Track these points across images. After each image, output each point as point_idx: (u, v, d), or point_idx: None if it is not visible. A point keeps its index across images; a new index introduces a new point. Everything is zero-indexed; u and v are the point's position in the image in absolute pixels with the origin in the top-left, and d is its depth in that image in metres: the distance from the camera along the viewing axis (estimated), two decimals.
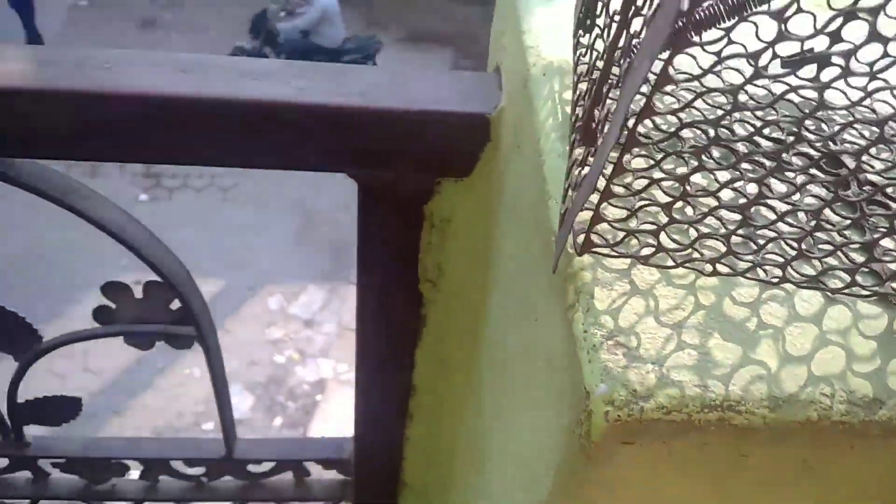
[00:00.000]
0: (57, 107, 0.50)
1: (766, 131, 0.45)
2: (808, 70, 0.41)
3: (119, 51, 0.53)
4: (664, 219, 0.37)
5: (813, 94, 0.47)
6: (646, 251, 0.37)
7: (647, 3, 0.34)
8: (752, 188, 0.41)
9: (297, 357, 4.08)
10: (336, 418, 3.76)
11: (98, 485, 0.84)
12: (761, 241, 0.38)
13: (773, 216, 0.39)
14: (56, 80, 0.50)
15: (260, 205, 4.71)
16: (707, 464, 0.35)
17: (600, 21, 0.42)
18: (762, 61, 0.40)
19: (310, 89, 0.52)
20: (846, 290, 0.37)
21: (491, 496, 0.56)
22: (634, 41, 0.32)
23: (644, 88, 0.39)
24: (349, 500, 0.89)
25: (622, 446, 0.34)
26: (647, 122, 0.44)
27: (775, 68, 0.43)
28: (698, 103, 0.46)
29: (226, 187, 4.74)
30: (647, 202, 0.37)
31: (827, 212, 0.41)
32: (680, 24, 0.26)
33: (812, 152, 0.44)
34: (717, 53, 0.33)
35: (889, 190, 0.43)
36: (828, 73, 0.36)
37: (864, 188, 0.43)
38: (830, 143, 0.45)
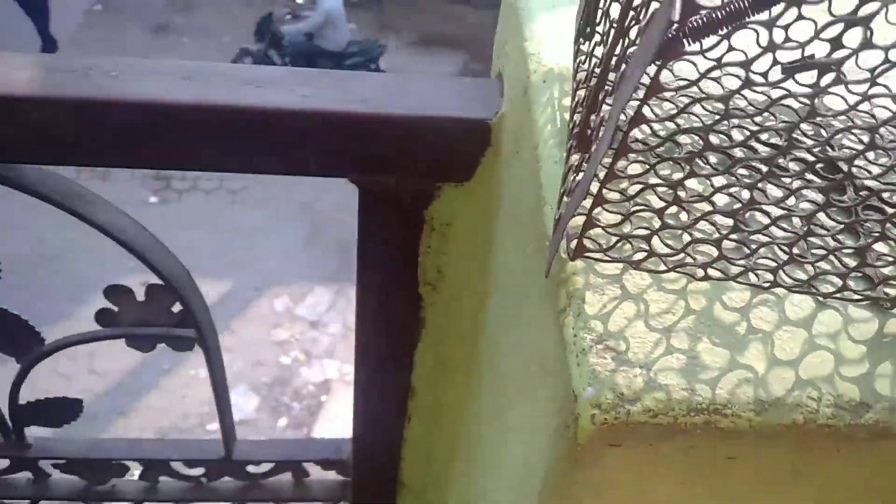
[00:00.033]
0: (63, 114, 0.51)
1: (763, 137, 0.46)
2: (810, 76, 0.41)
3: (125, 59, 0.54)
4: (657, 224, 0.37)
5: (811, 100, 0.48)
6: (638, 256, 0.38)
7: (643, 11, 0.35)
8: (746, 193, 0.41)
9: (302, 358, 4.10)
10: (341, 419, 3.76)
11: (98, 485, 0.85)
12: (754, 246, 0.38)
13: (766, 221, 0.39)
14: (62, 88, 0.51)
15: (268, 207, 4.73)
16: (694, 466, 0.36)
17: (600, 28, 0.43)
18: (762, 67, 0.40)
19: (313, 96, 0.53)
20: (837, 295, 0.38)
21: (486, 497, 0.56)
22: (630, 49, 0.33)
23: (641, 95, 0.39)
24: (348, 500, 0.89)
25: (609, 449, 0.34)
26: (645, 127, 0.45)
27: (776, 75, 0.44)
28: (697, 109, 0.47)
29: (235, 190, 4.76)
30: (639, 207, 0.38)
31: (822, 217, 0.41)
32: (671, 34, 0.27)
33: (809, 157, 0.45)
34: (718, 60, 0.33)
35: (885, 195, 0.43)
36: (827, 80, 0.37)
37: (859, 193, 0.43)
38: (828, 149, 0.46)
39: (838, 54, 0.31)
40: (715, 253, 0.37)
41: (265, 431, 3.82)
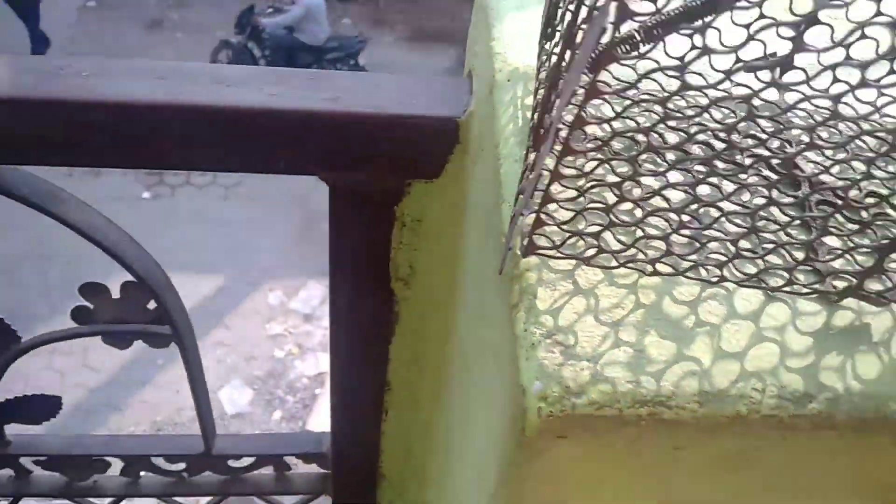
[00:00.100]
0: (33, 115, 0.52)
1: (721, 134, 0.47)
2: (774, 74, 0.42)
3: (98, 59, 0.55)
4: (608, 221, 0.38)
5: (774, 98, 0.49)
6: (590, 252, 0.38)
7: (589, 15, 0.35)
8: (703, 189, 0.42)
9: (296, 351, 4.11)
10: None
11: (80, 482, 0.85)
12: (705, 241, 0.39)
13: (722, 218, 0.40)
14: (33, 89, 0.51)
15: (261, 202, 4.73)
16: (642, 457, 0.36)
17: (560, 28, 0.43)
18: (726, 65, 0.41)
19: (282, 95, 0.54)
20: (786, 288, 0.39)
21: (455, 490, 0.57)
22: (574, 52, 0.33)
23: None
24: (329, 493, 0.90)
25: (557, 441, 0.35)
26: (606, 126, 0.46)
27: (739, 73, 0.44)
28: (657, 108, 0.48)
29: (227, 185, 4.76)
30: (591, 205, 0.38)
31: (776, 212, 0.42)
32: (606, 40, 0.27)
33: (765, 153, 0.45)
34: (681, 59, 0.34)
35: (840, 191, 0.44)
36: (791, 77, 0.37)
37: (814, 188, 0.44)
38: (786, 145, 0.46)
39: (799, 51, 0.32)
40: (665, 248, 0.38)
41: (259, 425, 3.83)
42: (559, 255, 0.38)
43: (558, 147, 0.33)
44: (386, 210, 0.60)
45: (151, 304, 0.68)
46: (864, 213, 0.42)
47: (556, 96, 0.36)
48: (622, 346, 0.36)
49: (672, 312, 0.37)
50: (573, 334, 0.36)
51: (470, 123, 0.55)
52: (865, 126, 0.41)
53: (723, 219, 0.40)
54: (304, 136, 0.54)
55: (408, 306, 0.68)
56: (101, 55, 5.60)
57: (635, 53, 0.30)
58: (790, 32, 0.30)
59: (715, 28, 0.32)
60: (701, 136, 0.45)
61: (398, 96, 0.55)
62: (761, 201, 0.43)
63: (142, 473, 0.88)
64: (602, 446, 0.36)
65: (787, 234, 0.40)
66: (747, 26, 0.35)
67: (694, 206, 0.41)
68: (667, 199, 0.40)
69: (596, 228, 0.38)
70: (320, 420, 3.76)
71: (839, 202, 0.42)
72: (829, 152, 0.47)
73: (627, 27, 0.29)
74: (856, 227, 0.39)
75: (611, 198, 0.41)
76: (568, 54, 0.35)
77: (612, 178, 0.38)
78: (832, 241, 0.41)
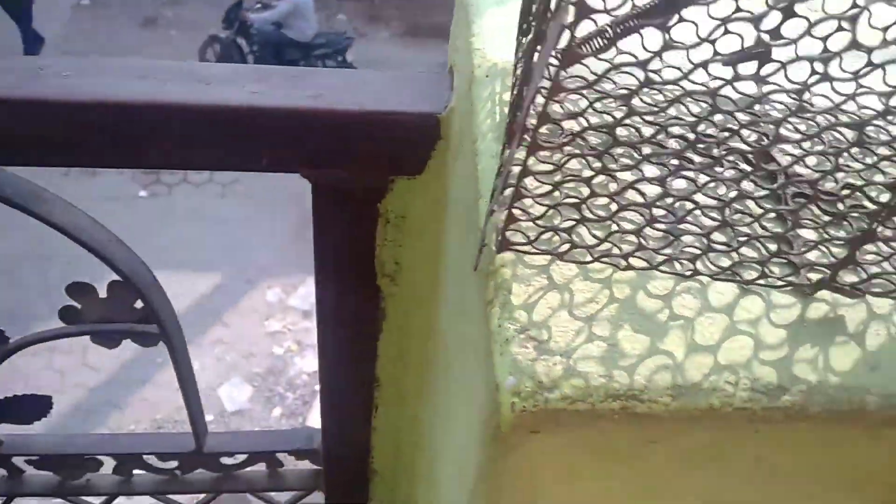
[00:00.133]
0: (14, 115, 0.52)
1: (700, 128, 0.47)
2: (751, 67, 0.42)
3: (78, 59, 0.55)
4: (584, 215, 0.38)
5: (751, 91, 0.49)
6: (564, 247, 0.38)
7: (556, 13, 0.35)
8: (678, 184, 0.42)
9: (295, 348, 4.11)
10: None
11: (72, 480, 0.85)
12: (679, 235, 0.39)
13: (697, 211, 0.40)
14: (14, 89, 0.51)
15: (258, 199, 4.73)
16: (616, 451, 0.37)
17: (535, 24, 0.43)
18: (701, 58, 0.41)
19: (263, 93, 0.54)
20: (761, 281, 0.39)
21: (440, 485, 0.57)
22: (539, 50, 0.33)
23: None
24: (321, 489, 0.90)
25: (532, 435, 0.35)
26: (581, 120, 0.46)
27: (716, 66, 0.44)
28: (634, 102, 0.48)
29: (224, 183, 4.76)
30: (566, 200, 0.38)
31: (751, 205, 0.42)
32: (567, 38, 0.28)
33: (741, 146, 0.45)
34: (660, 52, 0.33)
35: (818, 184, 0.44)
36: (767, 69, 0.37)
37: (790, 181, 0.44)
38: (764, 139, 0.46)
39: (780, 45, 0.32)
40: (637, 242, 0.38)
41: (259, 422, 3.84)
42: (533, 250, 0.38)
43: (527, 143, 0.33)
44: (369, 207, 0.60)
45: (139, 304, 0.68)
46: (840, 206, 0.42)
47: (526, 92, 0.36)
48: (595, 341, 0.36)
49: (646, 306, 0.37)
50: (547, 329, 0.36)
51: (451, 119, 0.55)
52: (831, 118, 0.41)
53: (697, 212, 0.40)
54: (285, 134, 0.54)
55: (394, 302, 0.68)
56: (95, 53, 5.59)
57: (599, 50, 0.31)
58: (765, 25, 0.31)
59: (692, 22, 0.32)
60: (677, 131, 0.45)
61: (379, 93, 0.55)
62: (735, 194, 0.43)
63: (134, 472, 0.88)
64: (576, 440, 0.36)
65: (763, 227, 0.40)
66: (723, 20, 0.35)
67: (669, 200, 0.41)
68: (642, 194, 0.40)
69: (570, 223, 0.38)
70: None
71: (817, 195, 0.42)
72: (806, 144, 0.48)
73: (592, 25, 0.29)
74: (831, 218, 0.39)
75: (585, 193, 0.41)
76: (537, 50, 0.35)
77: (587, 173, 0.38)
78: (808, 233, 0.41)
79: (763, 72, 0.33)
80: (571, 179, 0.37)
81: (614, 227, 0.39)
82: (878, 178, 0.44)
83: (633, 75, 0.47)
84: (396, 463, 0.85)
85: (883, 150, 0.44)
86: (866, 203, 0.42)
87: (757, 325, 0.37)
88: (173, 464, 0.86)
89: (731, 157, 0.44)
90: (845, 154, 0.45)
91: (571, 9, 0.26)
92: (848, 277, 0.39)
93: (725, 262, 0.39)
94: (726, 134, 0.44)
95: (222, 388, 3.93)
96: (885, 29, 0.36)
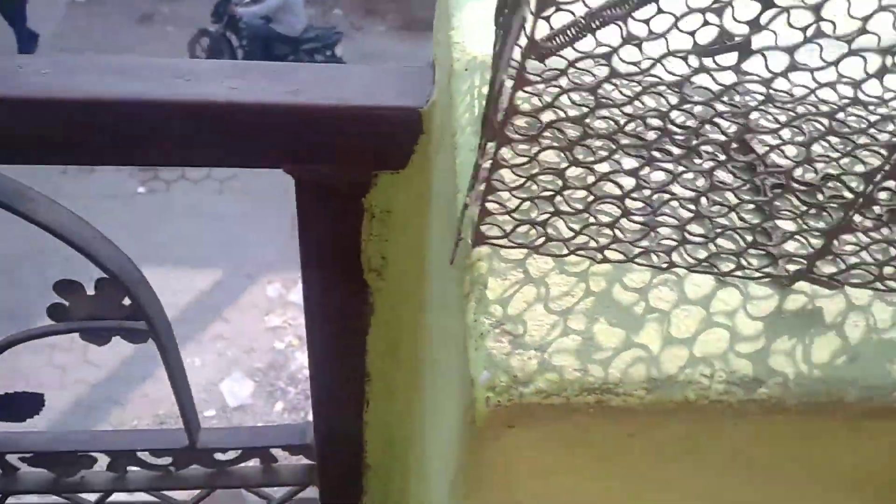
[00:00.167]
0: None
1: (680, 119, 0.46)
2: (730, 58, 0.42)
3: (58, 57, 0.55)
4: (561, 209, 0.38)
5: (729, 82, 0.48)
6: (540, 241, 0.38)
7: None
8: (656, 176, 0.42)
9: (296, 343, 4.11)
10: None
11: (67, 478, 0.85)
12: (655, 227, 0.39)
13: (674, 203, 0.40)
14: None
15: (256, 194, 4.72)
16: (593, 444, 0.37)
17: None
18: (678, 48, 0.41)
19: (242, 88, 0.53)
20: (738, 273, 0.38)
21: (428, 479, 0.57)
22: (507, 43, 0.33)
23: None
24: (316, 484, 0.90)
25: (508, 430, 0.35)
26: (557, 112, 0.45)
27: (693, 58, 0.44)
28: (615, 94, 0.47)
29: (222, 179, 4.75)
30: (541, 193, 0.38)
31: (730, 196, 0.42)
32: (529, 31, 0.27)
33: (721, 137, 0.45)
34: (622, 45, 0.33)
35: (791, 173, 0.44)
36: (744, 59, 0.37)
37: (769, 171, 0.43)
38: (739, 128, 0.46)
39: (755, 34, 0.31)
40: (618, 235, 0.38)
41: (262, 416, 3.84)
42: (509, 244, 0.38)
43: (496, 135, 0.33)
44: (353, 202, 0.59)
45: (127, 301, 0.68)
46: (819, 196, 0.42)
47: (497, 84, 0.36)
48: (571, 334, 0.36)
49: (622, 299, 0.37)
50: (522, 323, 0.36)
51: (433, 113, 0.55)
52: (811, 108, 0.41)
53: (675, 204, 0.40)
54: (265, 130, 0.54)
55: (382, 297, 0.68)
56: (91, 51, 5.58)
57: (569, 42, 0.30)
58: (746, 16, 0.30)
59: (671, 14, 0.32)
60: (657, 123, 0.45)
61: (360, 88, 0.55)
62: (710, 185, 0.43)
63: (129, 468, 0.88)
64: (553, 435, 0.36)
65: (741, 219, 0.40)
66: (703, 10, 0.35)
67: (647, 192, 0.41)
68: (619, 186, 0.39)
69: (545, 216, 0.38)
70: None
71: (793, 185, 0.42)
72: (787, 135, 0.47)
73: (568, 17, 0.29)
74: (809, 209, 0.39)
75: (560, 185, 0.41)
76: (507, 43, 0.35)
77: (562, 166, 0.38)
78: (788, 224, 0.41)
79: (736, 62, 0.33)
80: (545, 172, 0.37)
81: (591, 220, 0.39)
82: (860, 168, 0.44)
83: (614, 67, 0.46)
84: (389, 457, 0.86)
85: (863, 139, 0.44)
86: (846, 193, 0.42)
87: (734, 317, 0.37)
88: (167, 460, 0.86)
89: (708, 148, 0.44)
90: (826, 144, 0.45)
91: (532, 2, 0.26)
92: (827, 268, 0.39)
93: (702, 254, 0.39)
94: (707, 126, 0.44)
95: (224, 383, 3.93)
96: (865, 19, 0.35)
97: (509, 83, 0.38)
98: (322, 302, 0.67)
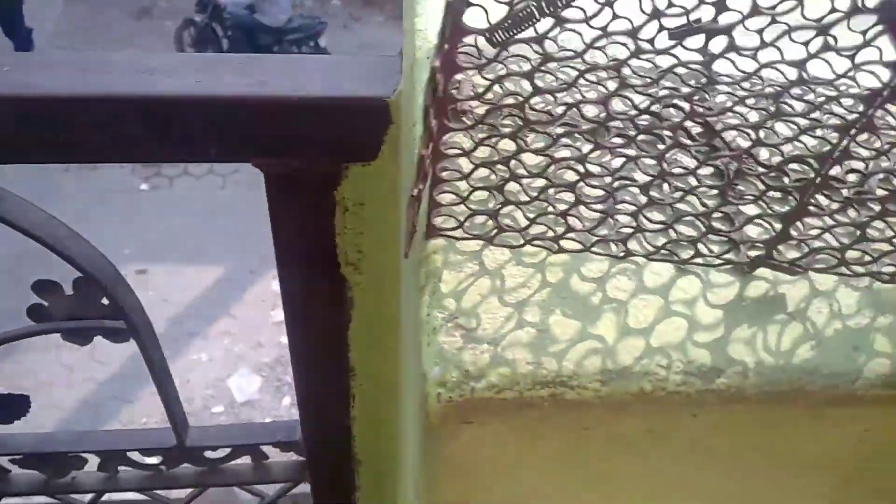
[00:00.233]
0: None
1: (643, 105, 0.45)
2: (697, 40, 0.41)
3: (21, 54, 0.54)
4: (513, 199, 0.37)
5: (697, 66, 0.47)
6: (494, 231, 0.37)
7: None
8: (616, 162, 0.41)
9: None
10: None
11: (58, 478, 0.85)
12: (618, 217, 0.38)
13: (634, 190, 0.39)
14: None
15: (258, 189, 4.70)
16: (551, 438, 0.36)
17: None
18: (647, 34, 0.40)
19: (206, 81, 0.53)
20: (697, 260, 0.38)
21: (407, 476, 0.57)
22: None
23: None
24: (307, 480, 0.90)
25: (463, 426, 0.34)
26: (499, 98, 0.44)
27: (663, 40, 0.43)
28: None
29: (224, 174, 4.75)
30: (489, 184, 0.37)
31: (693, 182, 0.41)
32: (458, 14, 0.26)
33: (690, 125, 0.44)
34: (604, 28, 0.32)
35: (764, 157, 0.43)
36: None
37: (726, 155, 0.42)
38: (713, 116, 0.45)
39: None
40: (578, 225, 0.37)
41: (270, 411, 3.85)
42: (463, 235, 0.37)
43: (436, 125, 0.32)
44: (325, 195, 0.59)
45: (105, 300, 0.67)
46: (786, 179, 0.41)
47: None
48: (525, 327, 0.35)
49: (579, 290, 0.36)
50: (476, 317, 0.35)
51: (400, 103, 0.54)
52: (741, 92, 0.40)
53: (635, 190, 0.39)
54: (230, 123, 0.53)
55: (361, 291, 0.67)
56: (89, 46, 5.57)
57: (511, 25, 0.29)
58: None
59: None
60: (622, 108, 0.44)
61: (326, 78, 0.54)
62: (680, 171, 0.42)
63: (120, 468, 0.88)
64: (509, 430, 0.35)
65: (704, 205, 0.39)
66: None
67: (608, 180, 0.40)
68: (578, 172, 0.38)
69: (497, 206, 0.37)
70: None
71: (758, 168, 0.41)
72: (753, 118, 0.46)
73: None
74: (766, 192, 0.38)
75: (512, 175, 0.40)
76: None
77: (508, 155, 0.37)
78: (751, 210, 0.40)
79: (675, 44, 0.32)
80: (494, 162, 0.36)
81: (549, 209, 0.38)
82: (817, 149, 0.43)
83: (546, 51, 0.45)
84: (380, 452, 0.85)
85: (834, 120, 0.43)
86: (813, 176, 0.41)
87: (693, 305, 0.36)
88: (157, 459, 0.86)
89: (669, 133, 0.43)
90: (795, 126, 0.44)
91: None
92: (791, 254, 0.38)
93: (661, 241, 0.38)
94: (671, 111, 0.43)
95: (231, 379, 3.95)
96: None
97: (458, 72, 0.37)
98: (300, 298, 0.66)
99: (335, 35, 5.70)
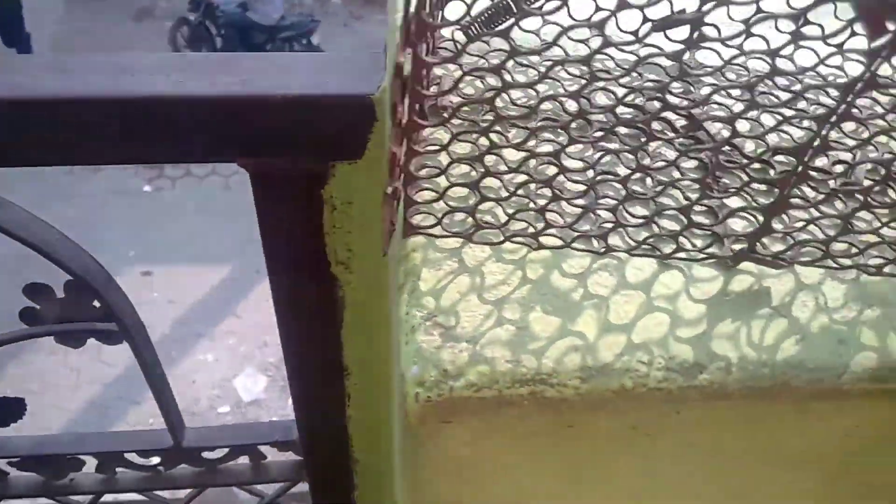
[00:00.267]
0: None
1: (627, 98, 0.45)
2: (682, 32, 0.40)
3: (4, 56, 0.54)
4: (490, 195, 0.37)
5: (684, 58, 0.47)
6: (472, 229, 0.37)
7: None
8: (597, 157, 0.40)
9: None
10: None
11: (56, 480, 0.85)
12: (599, 212, 0.38)
13: (617, 185, 0.39)
14: None
15: None
16: (533, 436, 0.35)
17: None
18: (629, 26, 0.39)
19: (188, 81, 0.52)
20: (680, 254, 0.37)
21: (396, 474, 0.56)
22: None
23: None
24: (305, 480, 0.90)
25: (443, 425, 0.34)
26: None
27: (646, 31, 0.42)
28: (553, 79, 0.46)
29: (227, 174, 4.75)
30: (477, 181, 0.37)
31: (676, 174, 0.40)
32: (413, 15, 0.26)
33: (673, 117, 0.44)
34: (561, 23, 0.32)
35: (749, 149, 0.42)
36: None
37: (707, 147, 0.42)
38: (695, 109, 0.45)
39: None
40: (560, 221, 0.37)
41: (276, 411, 3.86)
42: (442, 233, 0.37)
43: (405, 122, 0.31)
44: (312, 195, 0.58)
45: (97, 303, 0.67)
46: (772, 172, 0.40)
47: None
48: (505, 325, 0.34)
49: (560, 286, 0.36)
50: (455, 315, 0.35)
51: (385, 100, 0.54)
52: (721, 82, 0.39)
53: (618, 185, 0.38)
54: (212, 122, 0.53)
55: (352, 290, 0.67)
56: (90, 47, 5.58)
57: (487, 21, 0.29)
58: None
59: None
60: (605, 101, 0.43)
61: (309, 76, 0.54)
62: (661, 165, 0.41)
63: (118, 469, 0.88)
64: (490, 428, 0.35)
65: (687, 198, 0.39)
66: None
67: (590, 174, 0.39)
68: (558, 166, 0.38)
69: (474, 202, 0.37)
70: None
71: (741, 160, 0.40)
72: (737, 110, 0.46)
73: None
74: (749, 184, 0.38)
75: (500, 170, 0.39)
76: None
77: (479, 152, 0.36)
78: (736, 203, 0.39)
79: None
80: (469, 158, 0.36)
81: (530, 205, 0.37)
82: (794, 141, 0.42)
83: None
84: (377, 451, 0.85)
85: (821, 111, 0.43)
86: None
87: (675, 300, 0.36)
88: (155, 460, 0.86)
89: (657, 126, 0.43)
90: (779, 117, 0.43)
91: None
92: (776, 247, 0.37)
93: (643, 236, 0.37)
94: (658, 104, 0.43)
95: (237, 379, 3.95)
96: None
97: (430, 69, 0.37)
98: (291, 298, 0.66)
99: (335, 33, 5.69)
